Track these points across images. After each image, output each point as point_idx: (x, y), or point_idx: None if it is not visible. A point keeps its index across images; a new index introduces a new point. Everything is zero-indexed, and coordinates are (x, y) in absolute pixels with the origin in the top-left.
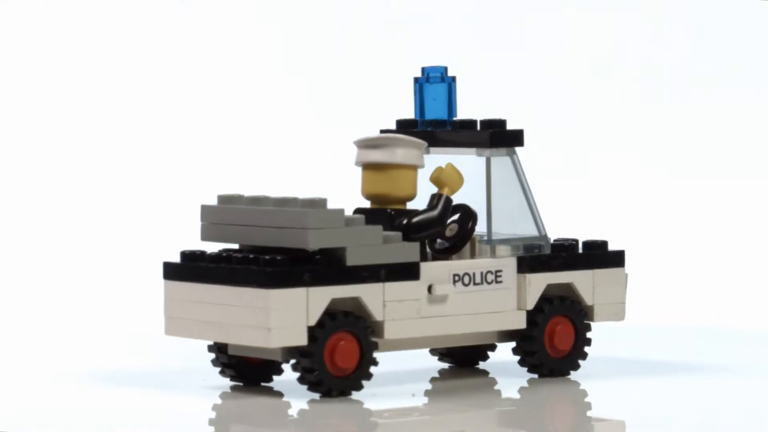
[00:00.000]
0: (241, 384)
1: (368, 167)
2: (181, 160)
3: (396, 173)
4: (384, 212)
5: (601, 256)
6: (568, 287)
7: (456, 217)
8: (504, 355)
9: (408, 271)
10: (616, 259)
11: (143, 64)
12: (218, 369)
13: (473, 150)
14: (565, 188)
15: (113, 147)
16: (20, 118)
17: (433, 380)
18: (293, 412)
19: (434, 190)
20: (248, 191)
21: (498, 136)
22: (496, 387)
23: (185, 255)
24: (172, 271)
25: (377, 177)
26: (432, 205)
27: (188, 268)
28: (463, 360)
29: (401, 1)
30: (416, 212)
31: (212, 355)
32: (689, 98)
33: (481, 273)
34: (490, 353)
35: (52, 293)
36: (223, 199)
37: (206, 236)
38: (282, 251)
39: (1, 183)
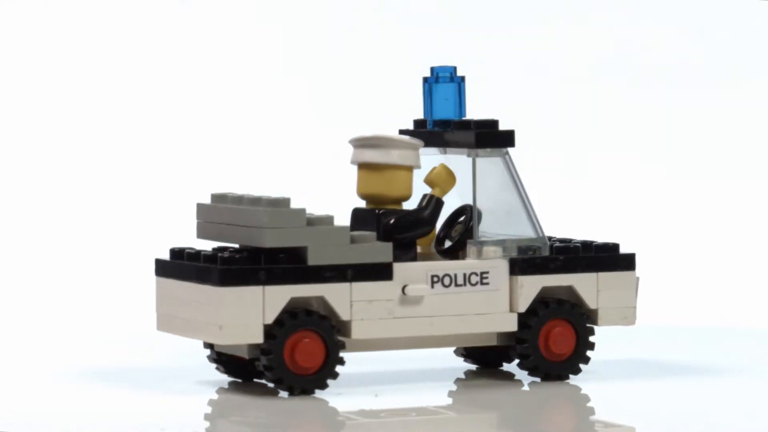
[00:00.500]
0: (240, 381)
1: (364, 167)
2: (182, 159)
3: (391, 174)
4: (372, 212)
5: (605, 258)
6: (571, 290)
7: (462, 218)
8: None
9: (379, 272)
10: (625, 262)
11: (143, 64)
12: (214, 365)
13: (465, 150)
14: (564, 188)
15: (113, 147)
16: (18, 117)
17: (457, 381)
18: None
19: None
20: (248, 191)
21: (485, 137)
22: (500, 389)
23: (173, 252)
24: (160, 268)
25: (372, 177)
26: (421, 206)
27: (170, 266)
28: (486, 361)
29: (401, 1)
30: (404, 212)
31: (207, 351)
32: (689, 98)
33: (464, 274)
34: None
35: (51, 293)
36: (216, 198)
37: (200, 234)
38: (259, 250)
39: None
